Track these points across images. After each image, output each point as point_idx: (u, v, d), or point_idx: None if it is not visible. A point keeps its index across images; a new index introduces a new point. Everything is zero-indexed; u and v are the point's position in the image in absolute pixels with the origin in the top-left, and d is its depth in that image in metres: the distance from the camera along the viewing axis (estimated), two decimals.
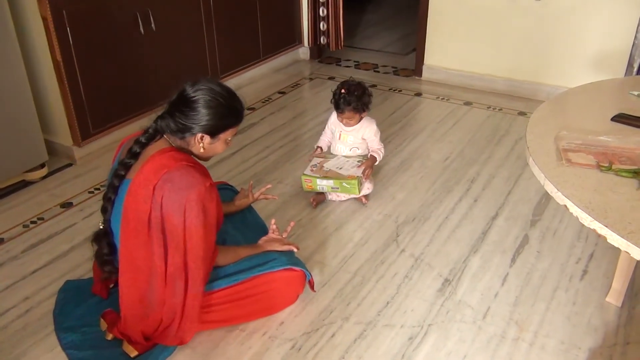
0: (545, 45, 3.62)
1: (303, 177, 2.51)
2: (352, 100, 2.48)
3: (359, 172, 2.49)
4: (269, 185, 2.29)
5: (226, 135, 1.76)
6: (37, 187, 2.81)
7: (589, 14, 3.41)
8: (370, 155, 2.58)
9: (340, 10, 4.31)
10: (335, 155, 2.62)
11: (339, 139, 2.63)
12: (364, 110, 2.54)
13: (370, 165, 2.52)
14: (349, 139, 2.61)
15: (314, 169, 2.54)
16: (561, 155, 1.56)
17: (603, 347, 1.84)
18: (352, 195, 2.58)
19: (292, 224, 2.12)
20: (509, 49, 3.75)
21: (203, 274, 1.73)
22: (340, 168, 2.53)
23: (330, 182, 2.47)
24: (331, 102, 2.57)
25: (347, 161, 2.56)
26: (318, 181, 2.48)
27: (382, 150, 2.60)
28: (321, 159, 2.60)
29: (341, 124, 2.61)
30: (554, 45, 3.59)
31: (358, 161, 2.55)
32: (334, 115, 2.65)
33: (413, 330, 1.91)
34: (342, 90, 2.50)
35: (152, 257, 1.67)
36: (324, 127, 2.71)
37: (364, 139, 2.62)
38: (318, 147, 2.67)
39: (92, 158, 3.04)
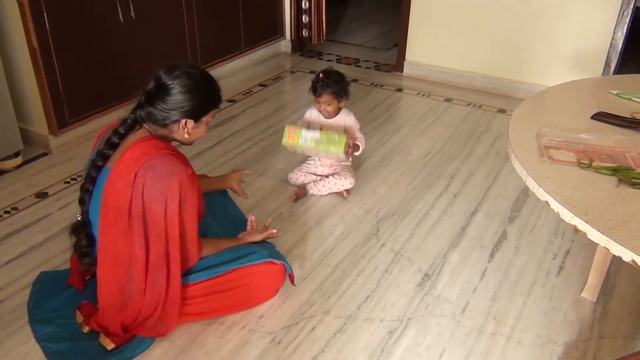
0: (525, 43, 3.65)
1: (287, 127, 2.38)
2: (331, 84, 2.49)
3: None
4: (246, 171, 2.27)
5: (208, 117, 1.76)
6: (12, 176, 2.74)
7: (568, 14, 3.45)
8: (354, 143, 2.55)
9: (322, 3, 4.29)
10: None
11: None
12: (342, 97, 2.54)
13: (354, 150, 2.52)
14: (333, 125, 2.59)
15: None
16: (543, 152, 1.57)
17: (578, 341, 1.87)
18: (334, 154, 2.41)
19: (269, 220, 2.10)
20: (490, 47, 3.78)
21: (184, 262, 1.72)
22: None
23: (317, 134, 2.33)
24: (309, 91, 2.57)
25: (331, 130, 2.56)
26: (303, 132, 2.34)
27: (364, 141, 2.60)
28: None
29: (321, 117, 2.60)
30: (534, 43, 3.63)
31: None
32: (310, 112, 2.63)
33: (393, 325, 1.92)
34: (321, 75, 2.52)
35: (132, 247, 1.65)
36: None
37: (345, 131, 2.61)
38: None
39: (69, 147, 2.98)
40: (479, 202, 2.61)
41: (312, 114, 2.64)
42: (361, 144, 2.57)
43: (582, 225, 1.29)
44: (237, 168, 2.47)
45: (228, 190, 2.31)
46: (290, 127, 2.41)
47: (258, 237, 1.98)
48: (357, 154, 2.57)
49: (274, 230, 2.04)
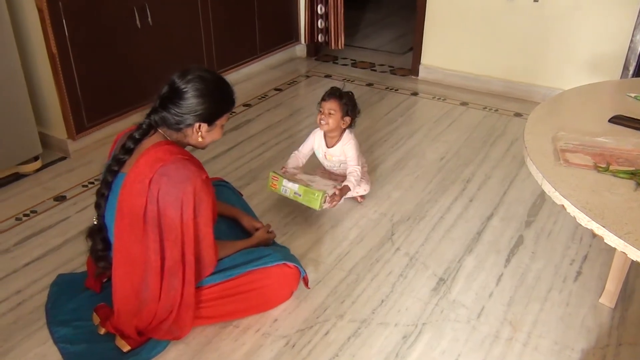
0: (541, 46, 3.63)
1: (271, 174, 2.43)
2: (342, 94, 2.46)
3: (329, 190, 2.40)
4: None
5: (222, 120, 1.77)
6: (31, 180, 2.79)
7: (586, 16, 3.42)
8: (344, 184, 2.45)
9: (340, 9, 4.28)
10: (312, 175, 2.56)
11: (326, 158, 2.60)
12: (347, 113, 2.46)
13: (342, 195, 2.43)
14: (336, 151, 2.55)
15: (286, 172, 2.49)
16: (559, 155, 1.56)
17: (596, 348, 1.84)
18: (312, 208, 2.39)
19: (269, 224, 2.17)
20: (506, 50, 3.76)
21: (202, 265, 1.73)
22: (312, 182, 2.46)
23: (295, 187, 2.36)
24: (317, 105, 2.50)
25: (322, 180, 2.50)
26: (284, 182, 2.39)
27: (358, 172, 2.48)
28: (298, 172, 2.54)
29: (322, 143, 2.54)
30: (550, 46, 3.60)
31: (332, 185, 2.47)
32: (314, 136, 2.57)
33: (407, 329, 1.91)
34: (334, 87, 2.50)
35: (147, 252, 1.66)
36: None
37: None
38: (283, 167, 2.56)
39: (87, 152, 3.02)
40: (494, 207, 2.59)
41: (316, 137, 2.57)
42: (352, 183, 2.45)
43: (599, 230, 1.27)
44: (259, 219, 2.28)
45: (242, 195, 2.34)
46: (273, 174, 2.43)
47: (265, 235, 2.05)
48: (350, 195, 2.50)
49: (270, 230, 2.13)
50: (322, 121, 2.46)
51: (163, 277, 1.70)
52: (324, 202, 2.36)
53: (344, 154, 2.53)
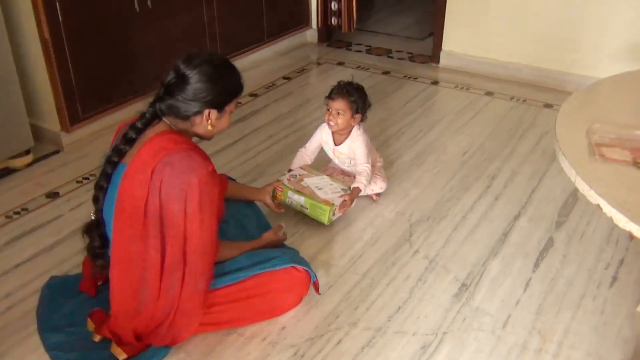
0: (574, 31, 3.59)
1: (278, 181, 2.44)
2: (351, 90, 2.42)
3: (337, 200, 2.37)
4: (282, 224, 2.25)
5: (231, 107, 1.80)
6: (22, 175, 2.81)
7: None
8: (354, 187, 2.43)
9: None
10: (320, 175, 2.52)
11: (334, 155, 2.59)
12: (357, 111, 2.44)
13: (352, 199, 2.41)
14: (344, 149, 2.54)
15: (291, 179, 2.45)
16: (594, 150, 1.54)
17: None
18: (320, 221, 2.37)
19: (281, 225, 2.20)
20: (535, 35, 3.73)
21: (203, 266, 1.73)
22: (320, 189, 2.42)
23: (302, 200, 2.35)
24: (325, 99, 2.48)
25: (331, 185, 2.45)
26: (289, 193, 2.38)
27: (369, 172, 2.46)
28: (305, 172, 2.51)
29: (330, 140, 2.54)
30: (584, 32, 3.56)
31: (342, 189, 2.44)
32: (322, 132, 2.55)
33: (426, 339, 1.90)
34: (341, 81, 2.46)
35: (146, 249, 1.67)
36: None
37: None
38: (289, 170, 2.54)
39: (81, 145, 3.03)
40: (522, 206, 2.57)
41: (324, 133, 2.55)
42: (362, 184, 2.43)
43: (639, 232, 1.25)
44: (270, 182, 2.44)
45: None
46: (280, 183, 2.41)
47: (274, 237, 2.07)
48: (364, 192, 2.48)
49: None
50: (330, 122, 2.45)
51: (163, 275, 1.70)
52: (333, 214, 2.36)
53: (352, 152, 2.52)
